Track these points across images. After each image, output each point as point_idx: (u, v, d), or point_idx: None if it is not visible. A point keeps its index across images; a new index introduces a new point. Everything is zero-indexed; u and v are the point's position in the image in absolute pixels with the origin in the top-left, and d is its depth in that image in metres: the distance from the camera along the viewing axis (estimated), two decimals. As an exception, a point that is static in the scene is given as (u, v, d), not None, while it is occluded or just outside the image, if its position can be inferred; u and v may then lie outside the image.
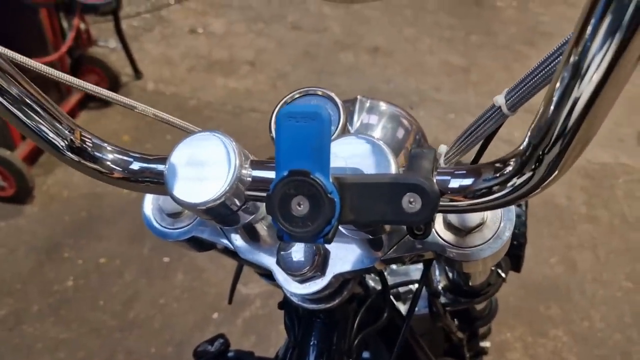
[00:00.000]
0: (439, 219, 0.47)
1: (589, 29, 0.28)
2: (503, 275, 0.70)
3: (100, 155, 0.47)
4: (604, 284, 2.06)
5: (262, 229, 0.52)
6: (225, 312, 1.91)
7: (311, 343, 0.55)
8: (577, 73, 0.29)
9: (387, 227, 0.44)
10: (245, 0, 3.80)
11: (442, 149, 0.49)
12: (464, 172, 0.38)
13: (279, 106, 0.51)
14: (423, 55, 3.34)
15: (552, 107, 0.32)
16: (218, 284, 2.00)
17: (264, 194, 0.44)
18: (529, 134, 0.35)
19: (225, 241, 0.53)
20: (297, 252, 0.48)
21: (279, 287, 0.52)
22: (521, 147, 0.36)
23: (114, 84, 2.81)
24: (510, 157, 0.37)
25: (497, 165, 0.37)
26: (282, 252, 0.48)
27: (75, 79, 0.47)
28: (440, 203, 0.39)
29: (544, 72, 0.38)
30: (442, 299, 0.74)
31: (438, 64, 3.26)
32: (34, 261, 2.09)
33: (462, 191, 0.38)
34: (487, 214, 0.46)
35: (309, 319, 0.56)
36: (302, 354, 0.55)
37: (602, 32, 0.27)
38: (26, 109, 0.44)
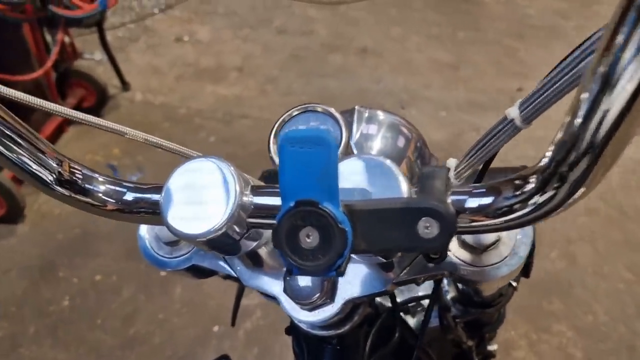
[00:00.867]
0: (453, 237, 0.44)
1: (621, 37, 0.26)
2: (514, 284, 0.67)
3: (92, 187, 0.44)
4: (605, 277, 2.05)
5: (265, 254, 0.49)
6: (227, 325, 1.88)
7: None
8: (607, 84, 0.27)
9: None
10: (230, 6, 3.78)
11: (452, 162, 0.46)
12: (483, 190, 0.36)
13: (277, 125, 0.48)
14: (411, 53, 3.33)
15: (578, 121, 0.29)
16: (218, 297, 1.97)
17: (268, 221, 0.41)
18: (551, 148, 0.32)
19: (227, 268, 0.50)
20: (304, 279, 0.45)
21: (284, 311, 0.50)
22: (542, 163, 0.33)
23: (102, 96, 2.78)
24: (531, 173, 0.34)
25: (517, 182, 0.35)
26: (288, 279, 0.46)
27: (60, 107, 0.44)
28: (459, 224, 0.36)
29: (561, 81, 0.36)
30: (453, 311, 0.71)
31: (427, 62, 3.25)
32: (28, 282, 2.05)
33: (481, 211, 0.36)
34: (502, 232, 0.44)
35: (318, 345, 0.54)
36: None
37: (637, 40, 0.25)
38: (8, 142, 0.41)
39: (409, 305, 0.74)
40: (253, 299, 1.92)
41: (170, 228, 0.41)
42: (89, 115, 0.46)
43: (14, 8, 1.98)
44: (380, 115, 0.69)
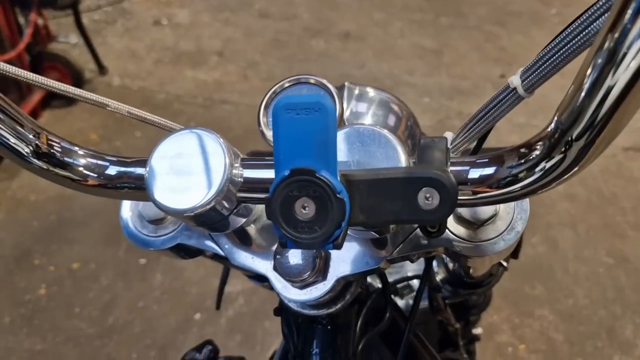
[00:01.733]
0: (449, 212, 0.43)
1: (629, 13, 0.25)
2: (505, 264, 0.67)
3: (71, 160, 0.41)
4: (585, 261, 2.08)
5: (254, 231, 0.47)
6: (208, 312, 1.85)
7: (313, 351, 0.51)
8: (612, 60, 0.27)
9: (395, 225, 0.40)
10: (209, -11, 3.71)
11: (448, 135, 0.45)
12: (486, 160, 0.34)
13: (267, 97, 0.46)
14: (394, 39, 3.31)
15: (583, 94, 0.29)
16: (199, 283, 1.94)
17: (259, 196, 0.39)
18: (556, 118, 0.31)
19: (214, 247, 0.48)
20: (296, 255, 0.43)
21: (270, 287, 0.48)
22: (548, 130, 0.32)
23: (78, 80, 2.70)
24: (536, 140, 0.33)
25: (522, 150, 0.33)
26: (278, 257, 0.44)
27: (44, 78, 0.41)
28: (460, 196, 0.35)
29: (563, 50, 0.34)
30: (443, 292, 0.70)
31: (410, 47, 3.24)
32: (3, 270, 2.00)
33: (485, 181, 0.34)
34: (500, 205, 0.43)
35: (309, 325, 0.52)
36: None
37: None
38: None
39: (398, 287, 0.73)
40: (235, 286, 1.90)
41: (156, 203, 0.39)
42: (70, 87, 0.43)
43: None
44: (371, 92, 0.67)
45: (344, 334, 0.52)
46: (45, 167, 0.41)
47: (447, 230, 0.43)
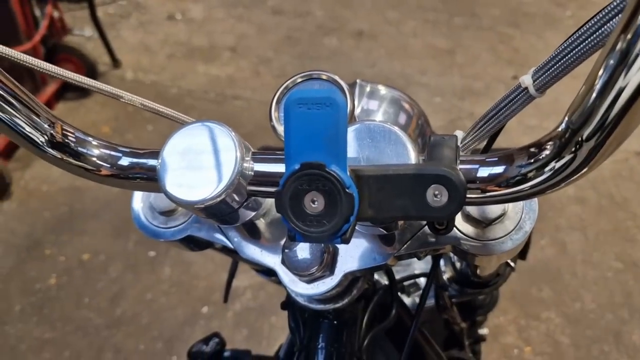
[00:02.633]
0: (457, 211, 0.43)
1: None
2: (512, 264, 0.67)
3: (85, 150, 0.42)
4: (594, 265, 2.06)
5: (263, 225, 0.48)
6: (216, 306, 1.87)
7: (319, 345, 0.51)
8: (624, 61, 0.27)
9: (403, 222, 0.41)
10: (224, -16, 3.71)
11: (458, 134, 0.45)
12: (495, 159, 0.35)
13: (279, 92, 0.47)
14: (407, 38, 3.30)
15: (594, 95, 0.29)
16: (207, 277, 1.95)
17: (269, 189, 0.40)
18: (566, 118, 0.32)
19: (223, 239, 0.49)
20: (304, 250, 0.44)
21: (277, 282, 0.48)
22: (559, 130, 0.32)
23: (91, 73, 2.72)
24: (547, 140, 0.33)
25: (532, 149, 0.34)
26: (287, 251, 0.44)
27: (58, 68, 0.42)
28: (469, 194, 0.35)
29: (576, 51, 0.35)
30: (449, 290, 0.71)
31: (422, 47, 3.23)
32: (15, 259, 2.02)
33: (493, 180, 0.34)
34: (509, 204, 0.43)
35: (315, 319, 0.53)
36: (309, 357, 0.52)
37: None
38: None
39: (405, 284, 0.73)
40: (243, 281, 1.91)
41: (167, 194, 0.39)
42: (86, 78, 0.44)
43: (2, -22, 1.93)
44: (382, 89, 0.68)
45: (349, 329, 0.52)
46: (59, 156, 0.41)
47: (455, 228, 0.43)
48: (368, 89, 0.65)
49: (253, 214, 0.44)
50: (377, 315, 0.58)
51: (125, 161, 0.42)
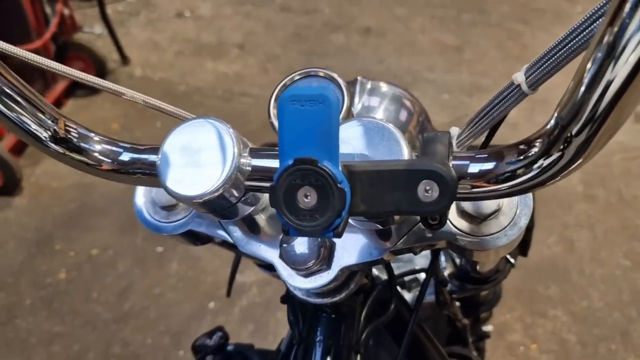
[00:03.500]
0: (452, 206, 0.44)
1: (627, 7, 0.26)
2: (512, 261, 0.67)
3: (87, 146, 0.43)
4: (602, 263, 2.05)
5: (262, 220, 0.49)
6: (222, 301, 1.88)
7: (317, 339, 0.52)
8: (611, 54, 0.27)
9: (398, 217, 0.41)
10: (232, -18, 3.72)
11: (454, 131, 0.45)
12: (485, 155, 0.35)
13: (278, 89, 0.47)
14: (415, 34, 3.29)
15: (582, 89, 0.29)
16: (214, 273, 1.97)
17: (265, 184, 0.40)
18: (555, 114, 0.32)
19: (223, 234, 0.50)
20: (301, 244, 0.44)
21: (278, 276, 0.49)
22: (547, 127, 0.33)
23: (101, 70, 2.75)
24: (536, 137, 0.34)
25: (522, 147, 0.34)
26: (284, 245, 0.45)
27: (63, 66, 0.43)
28: (460, 190, 0.35)
29: (567, 47, 0.35)
30: (449, 286, 0.71)
31: (430, 44, 3.22)
32: (25, 254, 2.05)
33: (483, 176, 0.35)
34: (504, 200, 0.43)
35: (314, 313, 0.54)
36: (307, 350, 0.52)
37: None
38: (4, 98, 0.40)
39: (406, 280, 0.74)
40: (249, 277, 1.93)
41: (167, 189, 0.40)
42: (89, 75, 0.45)
43: (12, -24, 1.95)
44: (383, 87, 0.68)
45: (347, 323, 0.53)
46: (62, 151, 0.42)
47: (450, 223, 0.44)
48: (369, 86, 0.66)
49: (251, 209, 0.45)
50: (376, 310, 0.58)
51: (126, 156, 0.43)
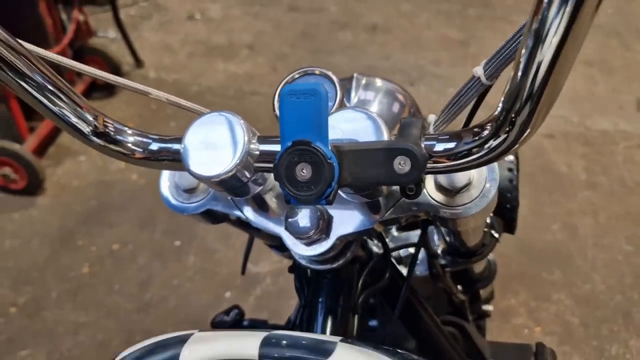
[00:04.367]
0: (430, 182, 0.51)
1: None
2: (496, 235, 0.74)
3: (122, 138, 0.51)
4: (604, 248, 2.11)
5: (270, 199, 0.57)
6: (238, 291, 1.97)
7: (320, 301, 0.60)
8: (538, 39, 0.33)
9: (385, 190, 0.49)
10: (241, -17, 3.81)
11: (431, 118, 0.53)
12: (447, 137, 0.43)
13: (280, 86, 0.55)
14: (421, 30, 3.36)
15: (519, 73, 0.36)
16: (229, 264, 2.06)
17: (271, 165, 0.48)
18: (502, 99, 0.39)
19: (237, 212, 0.58)
20: (303, 218, 0.52)
21: (288, 256, 0.57)
22: (496, 113, 0.40)
23: (116, 73, 2.83)
24: (487, 122, 0.41)
25: (476, 130, 0.41)
26: (289, 219, 0.53)
27: (93, 69, 0.51)
28: (428, 165, 0.43)
29: (516, 42, 0.42)
30: (441, 261, 0.79)
31: (436, 39, 3.28)
32: (49, 250, 2.16)
33: (446, 154, 0.42)
34: (474, 176, 0.51)
35: (317, 280, 0.61)
36: (312, 312, 0.60)
37: (557, 1, 0.32)
38: (54, 98, 0.48)
39: (402, 257, 0.82)
40: (264, 267, 2.02)
41: (190, 171, 0.48)
42: (114, 76, 0.53)
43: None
44: (377, 82, 0.76)
45: (346, 288, 0.61)
46: (102, 143, 0.51)
47: (429, 197, 0.52)
48: (364, 81, 0.74)
49: (260, 188, 0.53)
50: (374, 279, 0.66)
51: (154, 146, 0.52)
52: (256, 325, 0.89)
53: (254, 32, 3.36)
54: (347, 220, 0.53)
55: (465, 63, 3.09)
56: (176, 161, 0.51)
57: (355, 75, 0.74)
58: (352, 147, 0.42)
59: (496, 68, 0.44)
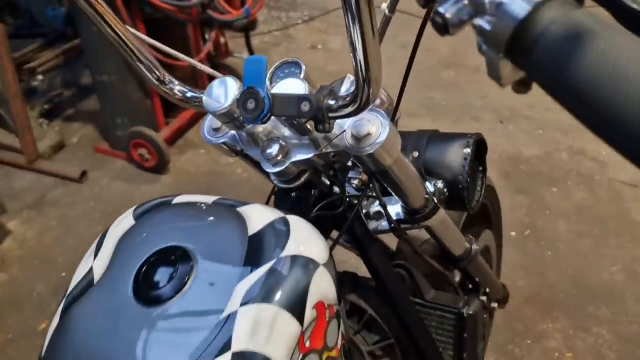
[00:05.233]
0: (348, 132, 0.81)
1: None
2: (435, 200, 0.99)
3: (172, 87, 0.87)
4: (660, 296, 2.12)
5: (258, 137, 0.89)
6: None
7: (285, 207, 0.90)
8: (354, 20, 0.55)
9: (311, 128, 0.79)
10: (363, 21, 4.23)
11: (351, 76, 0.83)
12: (335, 99, 0.72)
13: (270, 71, 0.88)
14: (522, 74, 3.49)
15: (354, 53, 0.65)
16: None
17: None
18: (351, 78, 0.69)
19: (238, 145, 0.91)
20: (271, 148, 0.84)
21: (270, 180, 0.88)
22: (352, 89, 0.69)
23: (242, 87, 3.36)
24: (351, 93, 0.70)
25: (348, 98, 0.71)
26: (264, 150, 0.85)
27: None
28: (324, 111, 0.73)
29: None
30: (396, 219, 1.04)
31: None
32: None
33: (332, 107, 0.72)
34: (372, 129, 0.79)
35: (285, 195, 0.92)
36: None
37: None
38: (149, 64, 0.86)
39: (372, 213, 1.08)
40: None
41: (205, 107, 0.83)
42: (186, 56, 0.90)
43: (182, 10, 2.62)
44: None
45: (304, 202, 0.91)
46: (163, 89, 0.87)
47: (346, 141, 0.81)
48: (352, 79, 1.04)
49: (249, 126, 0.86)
50: (329, 206, 0.95)
51: (189, 94, 0.87)
52: None
53: (365, 63, 3.73)
54: (297, 152, 0.84)
55: (559, 108, 3.18)
56: (200, 103, 0.86)
57: (347, 75, 1.05)
58: (281, 95, 0.74)
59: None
